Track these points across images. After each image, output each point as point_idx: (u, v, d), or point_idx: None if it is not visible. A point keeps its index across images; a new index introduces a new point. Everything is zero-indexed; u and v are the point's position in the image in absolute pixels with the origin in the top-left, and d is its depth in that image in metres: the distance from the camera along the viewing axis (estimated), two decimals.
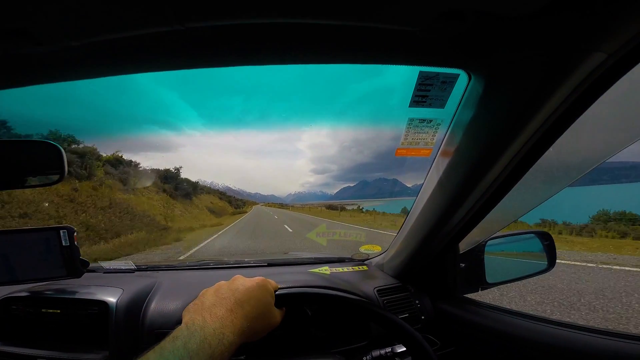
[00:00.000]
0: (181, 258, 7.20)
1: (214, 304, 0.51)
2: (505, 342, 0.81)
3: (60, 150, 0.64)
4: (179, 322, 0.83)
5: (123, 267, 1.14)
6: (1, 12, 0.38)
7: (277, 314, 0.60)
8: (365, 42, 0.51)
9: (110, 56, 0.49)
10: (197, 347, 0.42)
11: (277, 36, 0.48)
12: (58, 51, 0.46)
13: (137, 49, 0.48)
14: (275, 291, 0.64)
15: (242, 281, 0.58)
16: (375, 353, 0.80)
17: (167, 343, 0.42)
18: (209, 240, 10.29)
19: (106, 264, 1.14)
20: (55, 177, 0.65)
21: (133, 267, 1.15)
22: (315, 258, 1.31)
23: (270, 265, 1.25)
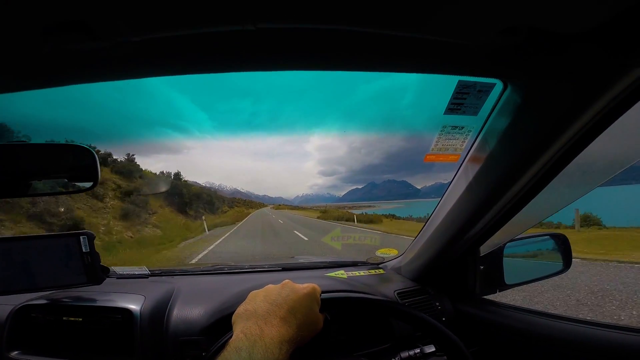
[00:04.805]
0: (192, 262, 6.90)
1: (269, 312, 0.50)
2: (527, 340, 0.83)
3: (93, 155, 0.62)
4: (206, 328, 0.83)
5: (137, 273, 1.11)
6: (58, 3, 0.34)
7: (321, 320, 0.60)
8: (412, 52, 0.52)
9: (169, 54, 0.47)
10: (262, 356, 0.42)
11: (338, 43, 0.48)
12: (113, 47, 0.43)
13: (201, 47, 0.46)
14: (320, 295, 0.63)
15: (293, 288, 0.57)
16: (404, 354, 0.80)
17: (231, 354, 0.42)
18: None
19: (119, 269, 1.11)
20: (88, 184, 0.63)
21: (147, 272, 1.13)
22: (329, 262, 1.30)
23: (284, 269, 1.24)
